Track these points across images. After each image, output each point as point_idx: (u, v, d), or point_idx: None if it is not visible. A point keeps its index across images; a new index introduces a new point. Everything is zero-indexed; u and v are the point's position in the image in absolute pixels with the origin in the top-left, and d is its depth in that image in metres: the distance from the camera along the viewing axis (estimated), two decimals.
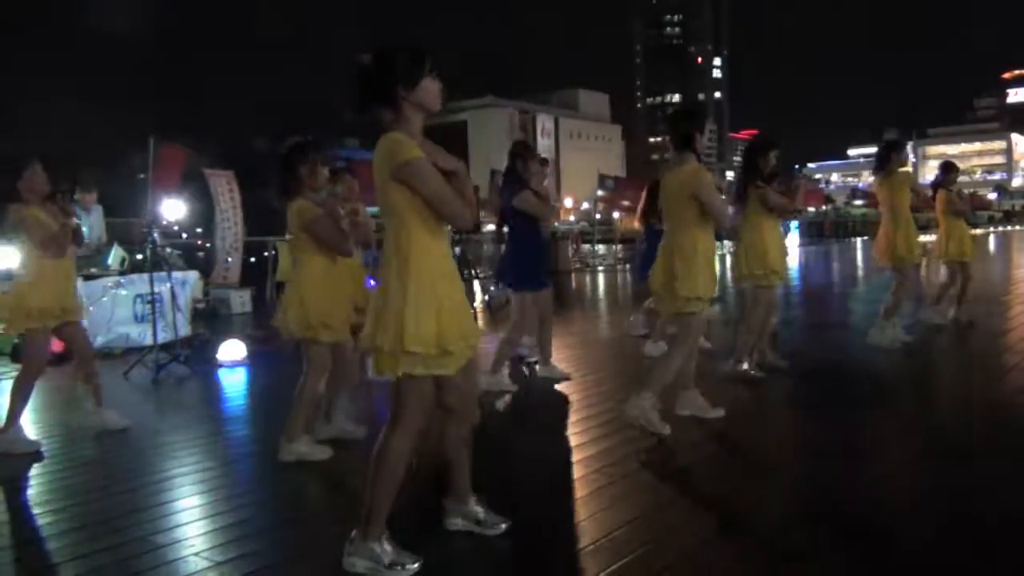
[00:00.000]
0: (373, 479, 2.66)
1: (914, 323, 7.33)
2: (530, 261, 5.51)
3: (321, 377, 4.10)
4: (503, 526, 2.93)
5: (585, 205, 76.99)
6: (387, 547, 2.64)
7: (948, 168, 7.87)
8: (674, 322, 4.68)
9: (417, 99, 2.59)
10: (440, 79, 2.61)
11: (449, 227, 2.77)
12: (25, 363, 4.54)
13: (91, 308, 7.09)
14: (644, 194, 7.40)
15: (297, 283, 4.02)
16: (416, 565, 2.65)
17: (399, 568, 2.62)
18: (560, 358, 6.21)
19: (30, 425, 5.15)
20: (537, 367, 5.94)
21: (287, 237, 4.27)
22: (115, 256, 8.10)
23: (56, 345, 7.21)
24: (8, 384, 6.37)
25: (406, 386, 2.62)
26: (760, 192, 5.36)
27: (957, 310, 7.62)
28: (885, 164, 6.59)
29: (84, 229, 8.27)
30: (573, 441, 4.22)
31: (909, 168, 7.16)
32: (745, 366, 5.40)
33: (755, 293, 5.48)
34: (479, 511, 2.96)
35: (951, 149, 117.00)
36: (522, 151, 5.54)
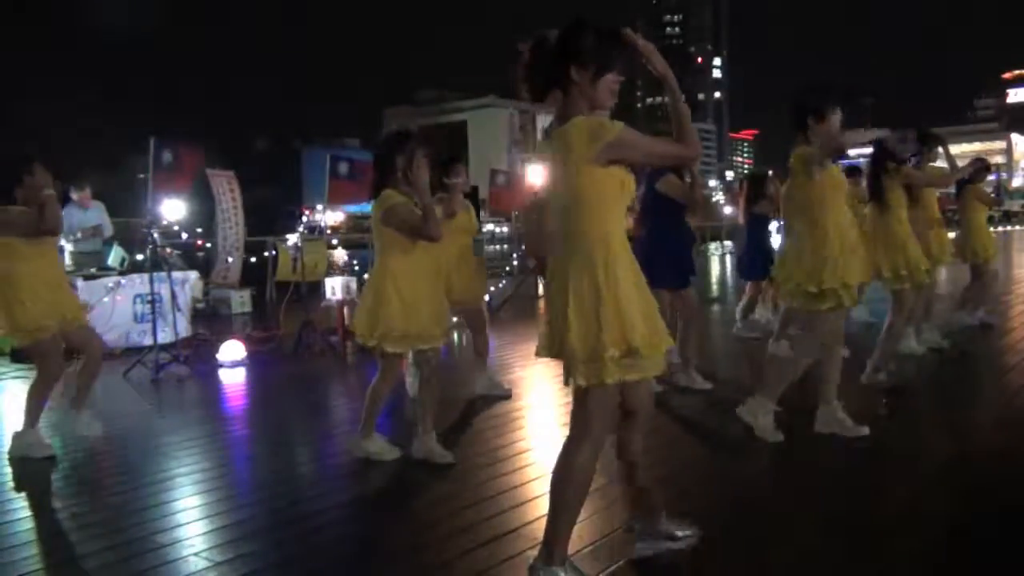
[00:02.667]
0: (556, 500, 2.41)
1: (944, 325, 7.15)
2: (672, 255, 5.05)
3: (391, 384, 3.96)
4: (694, 533, 2.74)
5: None
6: (571, 573, 2.44)
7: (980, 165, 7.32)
8: (799, 321, 4.28)
9: (590, 91, 2.36)
10: (623, 73, 2.39)
11: None
12: (39, 370, 4.38)
13: (93, 307, 7.10)
14: (745, 185, 7.24)
15: (371, 287, 3.80)
16: None
17: None
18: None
19: None
20: (676, 375, 5.27)
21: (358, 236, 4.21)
22: (115, 256, 8.10)
23: None
24: (8, 384, 6.38)
25: (596, 395, 2.35)
26: (905, 171, 4.90)
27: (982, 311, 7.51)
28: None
29: (86, 224, 8.32)
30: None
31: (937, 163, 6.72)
32: (883, 376, 5.02)
33: (897, 295, 5.02)
34: (670, 526, 2.73)
35: (951, 149, 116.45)
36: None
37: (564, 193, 2.35)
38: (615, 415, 2.53)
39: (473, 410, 5.01)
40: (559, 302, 2.33)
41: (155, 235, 7.29)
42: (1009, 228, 51.03)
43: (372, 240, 4.23)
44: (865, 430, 4.01)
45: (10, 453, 4.22)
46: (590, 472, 2.41)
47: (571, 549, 2.84)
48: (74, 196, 8.25)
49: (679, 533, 2.74)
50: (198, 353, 7.14)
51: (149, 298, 7.27)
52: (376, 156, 3.89)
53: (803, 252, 3.95)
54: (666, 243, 5.03)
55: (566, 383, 2.37)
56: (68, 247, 8.34)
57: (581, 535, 2.95)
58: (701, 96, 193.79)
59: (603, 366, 2.27)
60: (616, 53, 2.36)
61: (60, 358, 4.43)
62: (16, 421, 5.31)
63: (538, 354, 2.44)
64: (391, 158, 3.73)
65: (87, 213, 8.34)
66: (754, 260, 6.90)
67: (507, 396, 5.25)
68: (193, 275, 8.85)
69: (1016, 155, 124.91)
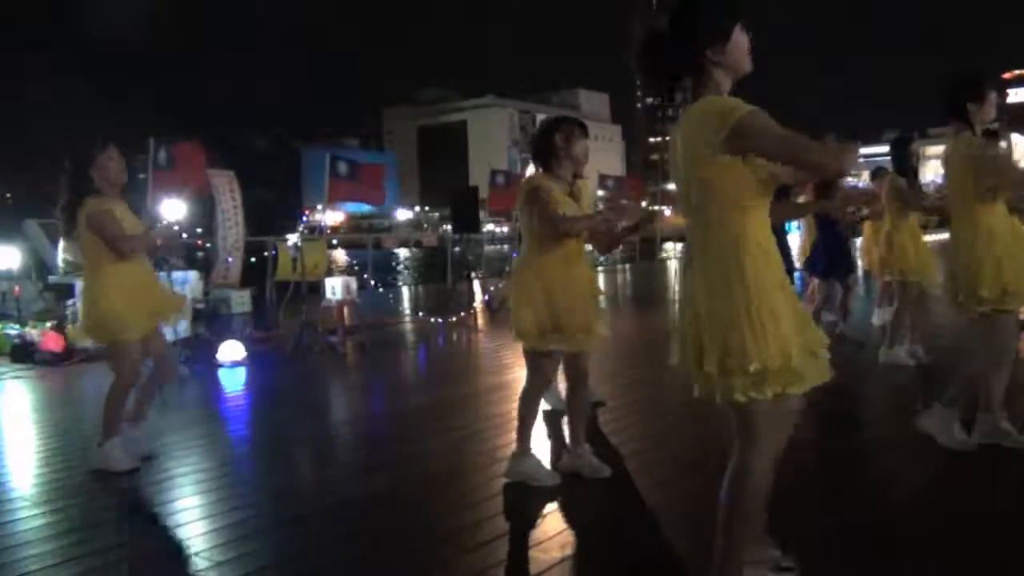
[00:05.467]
0: (728, 515, 2.19)
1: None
2: (840, 248, 5.43)
3: (544, 389, 3.59)
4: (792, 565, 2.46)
5: None
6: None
7: None
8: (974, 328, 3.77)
9: (726, 60, 2.09)
10: (749, 32, 2.11)
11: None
12: (116, 375, 3.94)
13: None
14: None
15: (519, 284, 3.45)
16: None
17: None
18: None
19: (31, 425, 5.16)
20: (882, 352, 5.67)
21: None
22: None
23: (55, 344, 7.27)
24: (8, 384, 6.38)
25: (757, 408, 2.09)
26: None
27: None
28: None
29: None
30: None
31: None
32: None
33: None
34: (777, 554, 2.45)
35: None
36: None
37: (689, 189, 2.11)
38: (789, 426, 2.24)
39: (473, 410, 5.01)
40: (694, 312, 2.11)
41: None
42: None
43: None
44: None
45: (92, 464, 3.90)
46: (766, 482, 2.18)
47: (570, 549, 2.84)
48: None
49: (784, 563, 2.45)
50: (198, 353, 7.13)
51: None
52: (538, 139, 3.55)
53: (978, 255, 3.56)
54: (834, 239, 5.47)
55: (704, 396, 2.17)
56: (69, 256, 8.38)
57: (580, 535, 2.96)
58: None
59: (765, 381, 2.02)
60: (734, 7, 2.10)
61: (138, 365, 3.97)
62: (16, 421, 5.33)
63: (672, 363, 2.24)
64: (549, 138, 3.44)
65: None
66: (818, 258, 6.73)
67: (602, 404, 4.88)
68: (193, 275, 8.86)
69: (1016, 155, 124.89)
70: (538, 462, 3.52)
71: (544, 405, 4.41)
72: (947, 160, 3.72)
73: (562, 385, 3.90)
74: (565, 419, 3.89)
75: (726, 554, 2.19)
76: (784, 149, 2.00)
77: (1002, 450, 3.66)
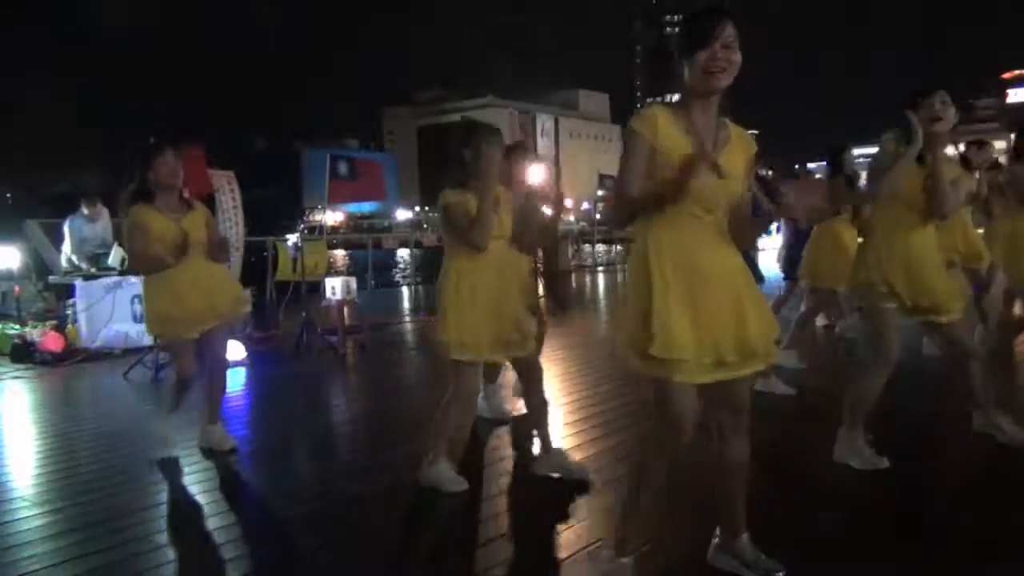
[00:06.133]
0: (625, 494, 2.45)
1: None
2: (801, 249, 5.48)
3: (469, 405, 3.49)
4: (780, 574, 2.51)
5: (585, 205, 76.89)
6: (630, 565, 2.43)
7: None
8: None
9: (686, 78, 2.21)
10: (720, 40, 2.16)
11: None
12: (176, 370, 4.20)
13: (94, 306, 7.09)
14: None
15: (444, 292, 3.41)
16: None
17: None
18: (560, 357, 6.21)
19: (31, 425, 5.16)
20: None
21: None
22: (115, 256, 8.11)
23: (55, 344, 7.27)
24: (8, 384, 6.38)
25: (659, 391, 2.27)
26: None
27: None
28: None
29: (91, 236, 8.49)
30: (573, 441, 4.21)
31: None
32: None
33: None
34: (750, 551, 2.55)
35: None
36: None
37: None
38: (688, 417, 2.32)
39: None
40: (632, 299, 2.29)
41: None
42: None
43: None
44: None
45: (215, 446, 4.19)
46: (660, 472, 2.44)
47: (570, 549, 2.84)
48: (85, 210, 8.54)
49: (758, 562, 2.53)
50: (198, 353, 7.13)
51: None
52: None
53: None
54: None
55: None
56: (73, 257, 8.41)
57: (580, 536, 2.96)
58: None
59: (655, 363, 2.20)
60: (701, 26, 2.17)
61: (192, 361, 4.13)
62: (16, 421, 5.33)
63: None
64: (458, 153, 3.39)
65: (95, 225, 8.67)
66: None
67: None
68: None
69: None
70: (448, 469, 3.45)
71: (485, 413, 4.53)
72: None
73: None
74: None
75: (623, 534, 2.43)
76: (619, 170, 2.24)
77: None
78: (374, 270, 16.39)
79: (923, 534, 2.93)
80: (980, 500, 3.23)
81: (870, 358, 3.61)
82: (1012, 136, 4.36)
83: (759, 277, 5.02)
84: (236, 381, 6.41)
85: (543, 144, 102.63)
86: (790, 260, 6.69)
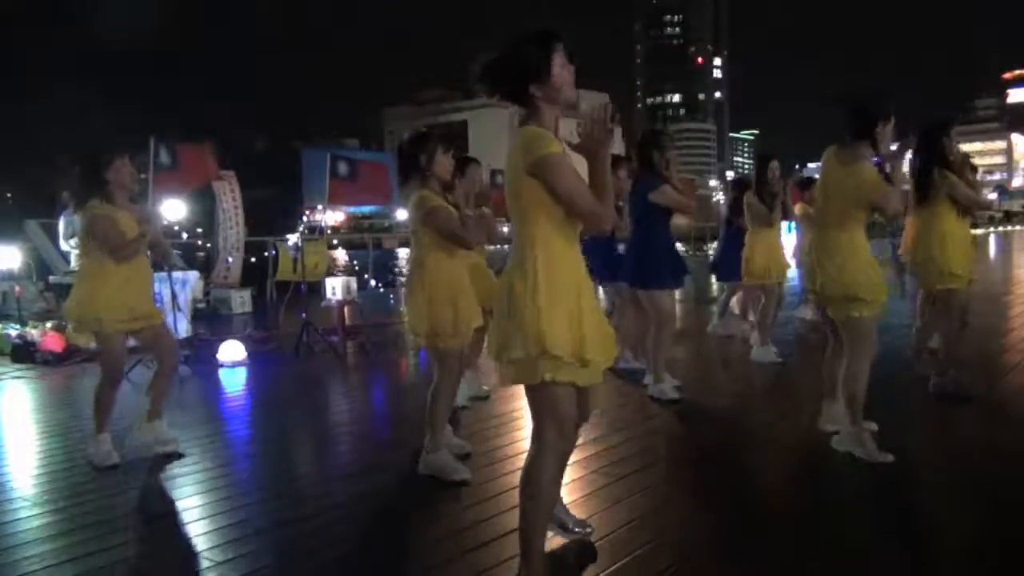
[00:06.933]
0: (522, 508, 2.43)
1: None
2: (664, 258, 5.18)
3: (456, 383, 3.81)
4: (589, 529, 2.90)
5: None
6: None
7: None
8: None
9: (548, 93, 2.34)
10: (573, 63, 2.36)
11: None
12: (101, 370, 4.22)
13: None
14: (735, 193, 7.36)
15: (420, 286, 3.67)
16: None
17: None
18: None
19: (31, 425, 5.17)
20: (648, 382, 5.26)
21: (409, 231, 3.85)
22: None
23: (55, 344, 7.27)
24: (8, 384, 6.38)
25: (545, 395, 2.35)
26: (949, 181, 4.67)
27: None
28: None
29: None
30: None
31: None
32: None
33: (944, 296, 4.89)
34: (565, 514, 2.92)
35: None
36: (658, 140, 5.16)
37: (509, 202, 2.39)
38: (573, 420, 2.46)
39: (473, 411, 5.00)
40: (503, 308, 2.38)
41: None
42: (1009, 228, 51.14)
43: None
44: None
45: (94, 463, 4.03)
46: (554, 477, 2.49)
47: (569, 549, 2.84)
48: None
49: (573, 527, 2.88)
50: (198, 353, 7.14)
51: None
52: (400, 155, 3.83)
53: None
54: (657, 247, 5.14)
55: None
56: (72, 254, 8.40)
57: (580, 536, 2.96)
58: (701, 96, 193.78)
59: (544, 364, 2.29)
60: (546, 42, 2.32)
61: (120, 361, 4.30)
62: (16, 421, 5.33)
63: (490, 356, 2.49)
64: (414, 157, 3.70)
65: None
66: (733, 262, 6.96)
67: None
68: (193, 275, 8.86)
69: (1016, 155, 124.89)
70: (449, 456, 3.68)
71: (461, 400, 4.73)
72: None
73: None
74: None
75: (525, 550, 2.43)
76: (565, 194, 2.26)
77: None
78: (374, 270, 16.39)
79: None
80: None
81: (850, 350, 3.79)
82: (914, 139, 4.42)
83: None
84: (236, 381, 6.42)
85: None
86: (727, 263, 7.09)
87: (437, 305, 3.62)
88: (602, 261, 5.71)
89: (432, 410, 3.68)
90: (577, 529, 2.92)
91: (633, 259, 5.30)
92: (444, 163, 3.71)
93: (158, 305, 4.81)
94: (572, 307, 2.31)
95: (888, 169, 3.82)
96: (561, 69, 2.33)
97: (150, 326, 4.28)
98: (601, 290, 6.43)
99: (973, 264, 4.99)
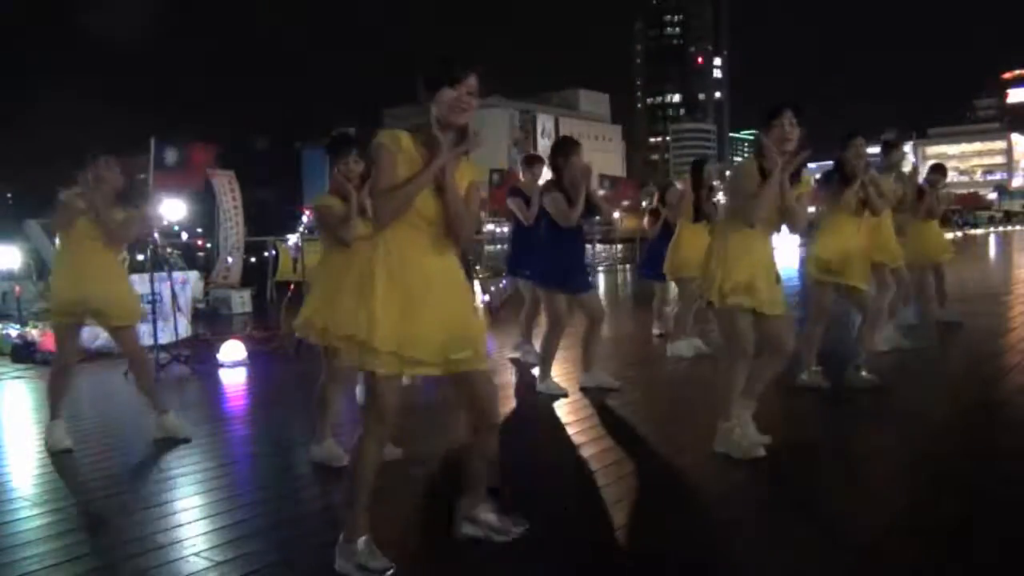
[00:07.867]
0: (349, 477, 2.74)
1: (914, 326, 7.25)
2: (562, 260, 5.21)
3: (342, 384, 4.02)
4: (517, 529, 2.88)
5: None
6: (363, 548, 2.65)
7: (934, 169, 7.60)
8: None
9: (435, 108, 2.63)
10: (466, 86, 2.61)
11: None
12: (53, 357, 4.57)
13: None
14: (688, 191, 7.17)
15: (317, 282, 3.92)
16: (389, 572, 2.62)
17: (370, 572, 2.62)
18: (560, 358, 6.19)
19: (31, 425, 5.17)
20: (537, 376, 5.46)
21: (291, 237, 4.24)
22: None
23: (50, 344, 7.26)
24: (8, 384, 6.38)
25: (374, 383, 2.60)
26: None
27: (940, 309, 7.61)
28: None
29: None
30: (572, 441, 4.21)
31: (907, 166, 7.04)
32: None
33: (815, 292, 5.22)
34: (491, 517, 2.89)
35: (951, 149, 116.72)
36: (564, 148, 5.22)
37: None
38: (395, 407, 2.66)
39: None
40: (353, 292, 2.63)
41: (155, 235, 7.29)
42: (1009, 228, 51.11)
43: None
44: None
45: (47, 447, 4.30)
46: (374, 456, 2.69)
47: (569, 549, 2.84)
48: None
49: (499, 525, 2.87)
50: (198, 353, 7.14)
51: (150, 298, 7.26)
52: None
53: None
54: (560, 249, 5.21)
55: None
56: None
57: (580, 536, 2.96)
58: (701, 96, 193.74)
59: (369, 355, 2.51)
60: (447, 70, 2.60)
61: (70, 351, 4.48)
62: (16, 421, 5.33)
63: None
64: (331, 163, 3.95)
65: None
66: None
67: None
68: (193, 275, 8.87)
69: (1016, 155, 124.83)
70: (333, 444, 3.86)
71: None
72: None
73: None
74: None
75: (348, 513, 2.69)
76: (375, 187, 2.56)
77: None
78: None
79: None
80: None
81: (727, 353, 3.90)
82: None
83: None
84: (236, 381, 6.42)
85: (543, 144, 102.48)
86: (655, 258, 7.13)
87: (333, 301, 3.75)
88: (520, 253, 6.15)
89: (320, 404, 4.01)
90: (501, 529, 2.89)
91: (538, 257, 5.47)
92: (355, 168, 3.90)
93: (145, 305, 5.02)
94: (404, 299, 2.52)
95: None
96: (448, 91, 2.60)
97: (112, 328, 4.48)
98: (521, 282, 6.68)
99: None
